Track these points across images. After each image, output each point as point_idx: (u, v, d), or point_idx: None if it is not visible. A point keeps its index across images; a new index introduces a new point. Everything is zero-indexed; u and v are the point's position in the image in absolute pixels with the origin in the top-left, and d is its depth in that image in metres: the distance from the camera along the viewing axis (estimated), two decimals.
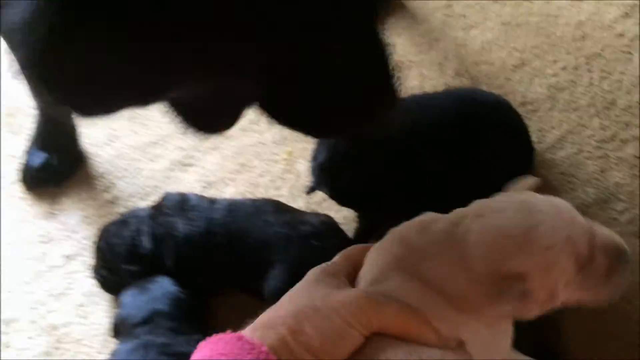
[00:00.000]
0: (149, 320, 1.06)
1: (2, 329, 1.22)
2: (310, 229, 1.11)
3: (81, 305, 1.23)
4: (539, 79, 1.35)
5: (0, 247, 1.27)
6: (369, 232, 1.18)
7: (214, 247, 1.12)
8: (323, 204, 1.23)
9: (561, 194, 1.19)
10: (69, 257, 1.27)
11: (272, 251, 1.09)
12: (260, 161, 1.31)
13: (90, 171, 1.34)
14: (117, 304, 1.12)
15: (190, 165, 1.33)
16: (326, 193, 1.20)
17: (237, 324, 0.65)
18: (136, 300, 1.09)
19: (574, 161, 1.26)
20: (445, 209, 0.76)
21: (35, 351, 1.20)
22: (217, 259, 1.12)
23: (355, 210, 1.21)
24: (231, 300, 1.16)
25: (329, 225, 1.14)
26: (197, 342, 0.64)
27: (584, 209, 1.17)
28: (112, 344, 1.11)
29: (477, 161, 1.14)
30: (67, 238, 1.29)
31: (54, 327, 1.21)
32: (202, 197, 1.17)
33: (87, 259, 1.25)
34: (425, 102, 1.21)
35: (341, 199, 1.19)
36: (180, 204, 1.15)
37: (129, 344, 1.05)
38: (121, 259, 1.14)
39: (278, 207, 1.16)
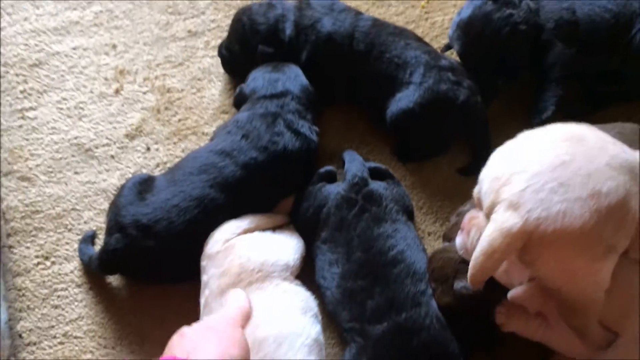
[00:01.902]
0: (280, 95, 1.08)
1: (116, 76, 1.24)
2: (448, 64, 1.12)
3: (197, 79, 1.24)
4: None
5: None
6: (491, 97, 1.19)
7: (351, 51, 1.12)
8: None
9: None
10: (192, 33, 1.27)
11: (410, 72, 1.10)
12: (398, 1, 1.31)
13: None
14: (247, 78, 1.14)
15: None
16: (457, 51, 1.20)
17: None
18: (269, 77, 1.11)
19: None
20: None
21: (144, 104, 1.22)
22: (350, 66, 1.13)
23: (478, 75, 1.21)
24: None
25: (463, 68, 1.15)
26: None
27: None
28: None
29: None
30: (193, 16, 1.29)
31: (168, 90, 1.23)
32: (348, 7, 1.18)
33: (211, 39, 1.26)
34: None
35: (469, 60, 1.19)
36: (330, 5, 1.16)
37: (255, 111, 1.07)
38: (259, 38, 1.14)
39: (419, 38, 1.17)
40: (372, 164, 1.09)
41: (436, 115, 1.10)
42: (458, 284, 0.91)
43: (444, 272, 0.94)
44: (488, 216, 0.77)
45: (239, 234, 0.98)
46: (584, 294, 0.74)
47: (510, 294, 0.84)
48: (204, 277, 0.97)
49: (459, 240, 0.89)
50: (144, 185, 1.03)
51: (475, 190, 0.83)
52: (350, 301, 0.95)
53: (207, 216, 0.99)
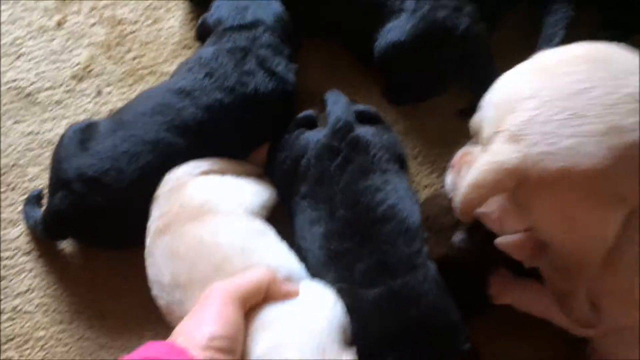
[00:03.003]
0: (251, 27, 0.92)
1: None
2: None
3: (153, 8, 1.06)
4: None
5: None
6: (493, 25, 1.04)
7: None
8: None
9: None
10: None
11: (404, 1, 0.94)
12: None
13: None
14: (210, 7, 0.96)
15: None
16: None
17: None
18: (237, 4, 0.93)
19: None
20: None
21: (92, 38, 1.04)
22: None
23: None
24: None
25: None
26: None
27: None
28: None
29: None
30: None
31: (119, 21, 1.05)
32: None
33: None
34: None
35: None
36: None
37: (221, 45, 0.90)
38: None
39: None
40: (360, 107, 0.94)
41: (432, 48, 0.94)
42: (457, 237, 0.79)
43: (440, 220, 0.82)
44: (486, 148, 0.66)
45: (196, 175, 0.84)
46: (581, 249, 0.64)
47: (499, 240, 0.74)
48: (148, 224, 0.84)
49: (449, 179, 0.78)
50: (86, 132, 0.88)
51: (475, 119, 0.72)
52: (336, 264, 0.83)
53: (163, 162, 0.84)
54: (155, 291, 0.80)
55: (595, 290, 0.69)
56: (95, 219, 0.85)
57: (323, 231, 0.84)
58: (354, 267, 0.82)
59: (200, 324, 0.62)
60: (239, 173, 0.89)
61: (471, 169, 0.65)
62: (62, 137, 0.89)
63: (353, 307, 0.79)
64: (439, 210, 0.82)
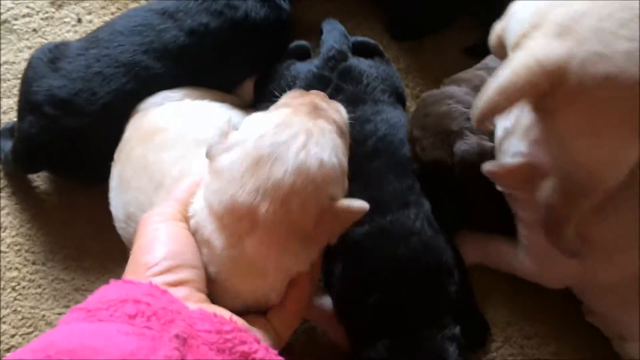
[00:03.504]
0: None
1: None
2: None
3: None
4: None
5: None
6: None
7: None
8: None
9: None
10: None
11: None
12: None
13: None
14: None
15: None
16: None
17: None
18: None
19: None
20: None
21: None
22: None
23: None
24: None
25: None
26: None
27: None
28: None
29: None
30: None
31: None
32: None
33: None
34: None
35: None
36: None
37: None
38: None
39: None
40: (359, 38, 0.87)
41: None
42: (462, 145, 0.72)
43: (444, 122, 0.74)
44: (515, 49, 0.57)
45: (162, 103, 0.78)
46: (596, 169, 0.56)
47: (487, 165, 0.66)
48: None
49: None
50: (56, 52, 0.81)
51: (497, 28, 0.63)
52: None
53: (138, 86, 0.78)
54: (117, 228, 0.75)
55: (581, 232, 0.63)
56: (67, 145, 0.79)
57: None
58: None
59: (142, 254, 0.56)
60: (219, 102, 0.81)
61: (500, 69, 0.55)
62: (31, 57, 0.82)
63: (341, 246, 0.73)
64: (445, 112, 0.74)
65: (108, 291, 0.51)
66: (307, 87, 0.77)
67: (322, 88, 0.77)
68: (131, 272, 0.55)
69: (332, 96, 0.77)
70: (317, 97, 0.64)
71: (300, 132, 0.57)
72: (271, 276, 0.57)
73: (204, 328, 0.49)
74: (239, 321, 0.54)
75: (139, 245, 0.57)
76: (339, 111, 0.65)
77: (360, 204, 0.59)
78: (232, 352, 0.50)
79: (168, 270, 0.54)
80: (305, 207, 0.55)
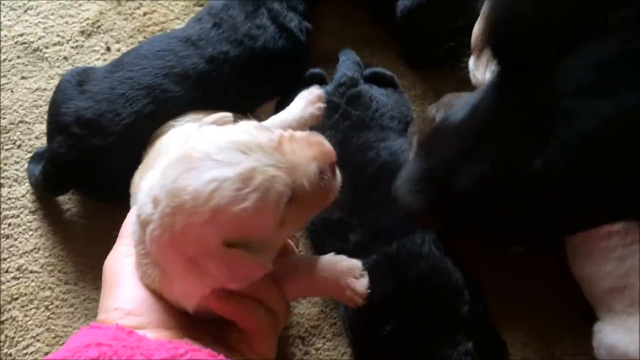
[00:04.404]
0: None
1: None
2: None
3: None
4: None
5: None
6: None
7: None
8: None
9: None
10: None
11: None
12: None
13: None
14: None
15: None
16: None
17: None
18: None
19: None
20: None
21: None
22: None
23: None
24: None
25: None
26: None
27: None
28: None
29: None
30: None
31: None
32: None
33: None
34: None
35: None
36: None
37: None
38: None
39: None
40: (375, 69, 0.90)
41: (456, 9, 0.89)
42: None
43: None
44: None
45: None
46: None
47: None
48: None
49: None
50: (83, 75, 0.85)
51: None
52: (331, 234, 0.79)
53: (156, 108, 0.81)
54: None
55: None
56: (93, 164, 0.82)
57: None
58: (347, 237, 0.78)
59: (109, 295, 0.62)
60: None
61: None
62: (60, 81, 0.86)
63: None
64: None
65: (75, 338, 0.56)
66: None
67: (331, 114, 0.80)
68: (102, 309, 0.61)
69: (339, 122, 0.81)
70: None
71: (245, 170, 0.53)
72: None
73: (161, 357, 0.53)
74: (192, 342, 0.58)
75: (106, 285, 0.63)
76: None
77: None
78: None
79: (129, 314, 0.59)
80: (186, 232, 0.54)
